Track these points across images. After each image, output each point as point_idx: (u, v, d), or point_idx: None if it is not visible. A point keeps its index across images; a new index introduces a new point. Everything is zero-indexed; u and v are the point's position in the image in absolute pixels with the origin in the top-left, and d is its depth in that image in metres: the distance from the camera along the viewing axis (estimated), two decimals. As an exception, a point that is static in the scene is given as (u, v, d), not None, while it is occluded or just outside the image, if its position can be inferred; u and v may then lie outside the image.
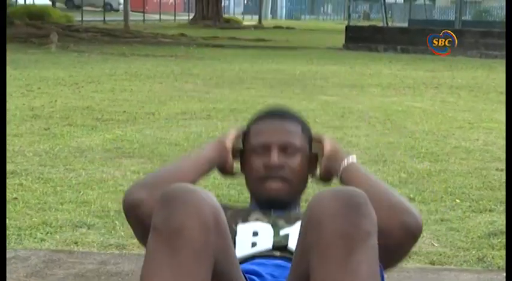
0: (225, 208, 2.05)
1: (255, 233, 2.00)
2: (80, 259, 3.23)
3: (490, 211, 4.17)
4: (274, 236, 1.99)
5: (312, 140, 2.19)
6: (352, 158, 2.07)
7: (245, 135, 2.19)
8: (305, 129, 2.20)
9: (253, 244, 1.97)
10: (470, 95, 9.95)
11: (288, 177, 2.08)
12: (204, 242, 1.62)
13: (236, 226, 2.03)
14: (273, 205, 2.08)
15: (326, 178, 2.15)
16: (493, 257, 3.40)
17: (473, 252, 3.48)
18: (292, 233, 1.97)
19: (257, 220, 2.05)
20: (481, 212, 4.15)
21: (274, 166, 2.07)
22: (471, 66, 14.96)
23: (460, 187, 4.68)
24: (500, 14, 27.96)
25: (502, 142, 6.03)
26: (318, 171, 2.20)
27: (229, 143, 2.14)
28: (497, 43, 16.88)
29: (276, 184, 2.07)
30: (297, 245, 1.77)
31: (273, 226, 2.03)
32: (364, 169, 2.07)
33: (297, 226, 1.94)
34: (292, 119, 2.20)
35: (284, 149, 2.09)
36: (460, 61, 16.12)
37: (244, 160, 2.17)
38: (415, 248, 3.44)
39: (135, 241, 3.49)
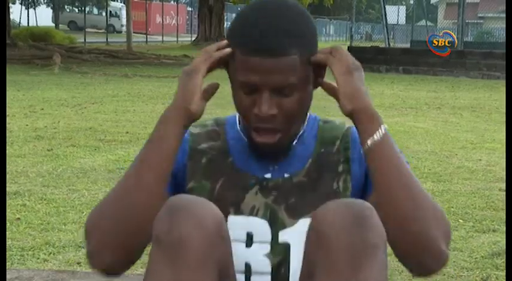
0: (224, 165, 1.77)
1: (249, 237, 1.75)
2: (82, 280, 3.22)
3: (493, 231, 4.16)
4: (272, 248, 1.76)
5: (315, 62, 1.66)
6: (381, 132, 1.60)
7: (230, 56, 1.68)
8: (307, 49, 1.65)
9: (247, 266, 1.75)
10: (472, 116, 9.96)
11: (282, 127, 1.68)
12: (207, 254, 1.58)
13: (227, 216, 1.72)
14: (267, 156, 1.76)
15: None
16: (496, 278, 3.39)
17: (477, 272, 3.47)
18: (294, 244, 1.76)
19: (252, 210, 1.75)
20: (484, 232, 4.15)
21: (265, 117, 1.65)
22: (473, 87, 14.99)
23: (463, 207, 4.68)
24: (502, 35, 28.01)
25: (505, 162, 6.03)
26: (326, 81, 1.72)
27: (196, 106, 1.65)
28: (499, 64, 16.93)
29: (268, 137, 1.68)
30: (302, 265, 1.70)
31: (271, 223, 1.75)
32: (395, 149, 1.61)
33: (300, 225, 1.74)
34: (289, 46, 1.61)
35: (278, 90, 1.64)
36: (462, 82, 16.16)
37: (231, 83, 1.73)
38: (418, 269, 3.44)
39: (139, 261, 3.49)
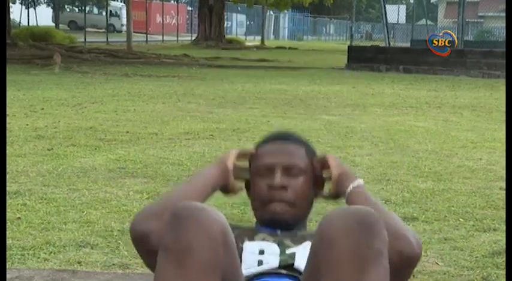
0: (232, 227, 2.07)
1: (261, 252, 2.01)
2: (83, 279, 3.22)
3: (494, 230, 4.16)
4: (281, 254, 1.99)
5: (317, 162, 2.23)
6: (359, 182, 2.12)
7: (252, 157, 2.24)
8: (309, 151, 2.24)
9: (260, 262, 1.97)
10: (473, 115, 9.95)
11: (291, 199, 2.11)
12: (213, 261, 1.64)
13: (243, 243, 2.04)
14: (277, 227, 2.11)
15: (334, 197, 2.21)
16: (497, 277, 3.39)
17: (478, 271, 3.47)
18: (299, 252, 1.98)
19: (264, 239, 2.07)
20: (484, 231, 4.14)
21: (278, 187, 2.10)
22: (473, 86, 14.98)
23: (464, 206, 4.67)
24: (502, 34, 27.98)
25: (505, 161, 6.02)
26: (324, 191, 2.26)
27: (230, 164, 2.17)
28: (499, 63, 16.92)
29: (279, 206, 2.10)
30: (307, 264, 1.77)
31: (279, 244, 2.03)
32: (369, 194, 2.11)
33: (304, 245, 1.96)
34: (297, 141, 2.25)
35: (288, 170, 2.13)
36: (462, 81, 16.16)
37: (250, 183, 2.21)
38: (419, 267, 3.44)
39: (139, 260, 3.48)
